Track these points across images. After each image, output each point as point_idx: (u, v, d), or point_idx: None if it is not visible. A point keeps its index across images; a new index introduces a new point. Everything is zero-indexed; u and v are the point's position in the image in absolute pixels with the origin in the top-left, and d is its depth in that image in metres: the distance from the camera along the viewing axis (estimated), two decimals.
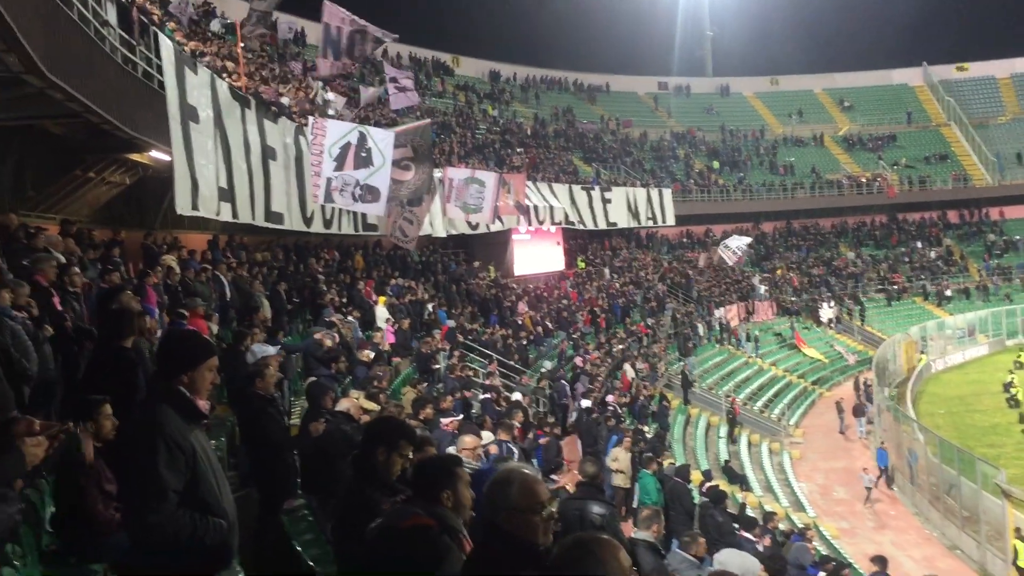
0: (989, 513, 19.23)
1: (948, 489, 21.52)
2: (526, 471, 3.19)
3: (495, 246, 31.72)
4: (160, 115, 11.44)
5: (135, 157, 13.12)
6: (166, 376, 3.76)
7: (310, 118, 16.23)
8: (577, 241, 38.41)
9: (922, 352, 39.18)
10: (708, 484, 14.44)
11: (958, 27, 74.72)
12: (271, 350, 9.20)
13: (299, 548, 5.63)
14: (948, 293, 47.01)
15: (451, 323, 21.70)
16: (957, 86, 61.31)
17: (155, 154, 12.81)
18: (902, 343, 38.52)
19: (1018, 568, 17.40)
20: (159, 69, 11.97)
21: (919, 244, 51.72)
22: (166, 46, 11.66)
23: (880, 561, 12.42)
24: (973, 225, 53.48)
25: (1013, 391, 31.26)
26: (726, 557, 7.37)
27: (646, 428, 21.98)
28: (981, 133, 56.84)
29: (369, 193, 13.83)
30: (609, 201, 37.09)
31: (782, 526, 17.64)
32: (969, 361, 40.45)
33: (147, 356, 6.53)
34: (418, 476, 3.69)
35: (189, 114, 11.78)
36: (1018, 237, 51.62)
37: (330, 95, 23.57)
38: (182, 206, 11.57)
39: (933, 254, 50.84)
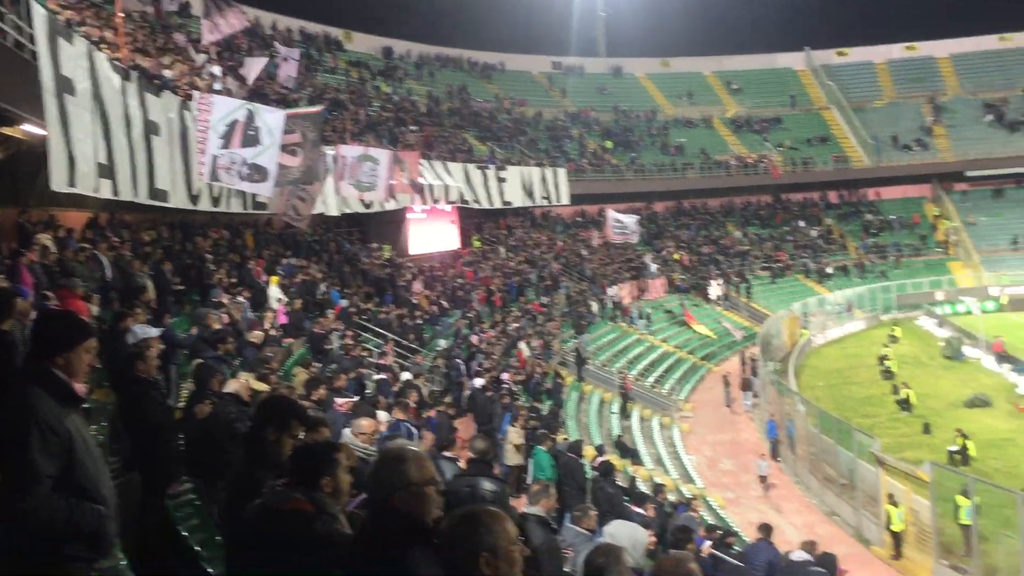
0: (864, 480, 20.22)
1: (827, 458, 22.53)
2: (413, 447, 3.22)
3: (390, 225, 31.44)
4: (33, 87, 10.89)
5: (6, 131, 12.46)
6: (40, 358, 3.63)
7: (195, 93, 15.76)
8: (472, 220, 38.41)
9: (804, 327, 40.78)
10: (599, 458, 14.74)
11: (838, 13, 77.62)
12: (153, 332, 8.94)
13: (184, 532, 5.52)
14: (828, 270, 49.10)
15: (344, 303, 21.47)
16: (837, 70, 63.68)
17: (29, 128, 12.20)
18: (785, 319, 40.01)
19: (891, 532, 18.39)
20: (31, 38, 11.39)
21: (801, 223, 53.74)
22: (38, 14, 11.08)
23: (765, 529, 12.90)
24: (852, 205, 55.87)
25: (887, 364, 32.90)
26: (615, 528, 7.57)
27: (540, 405, 22.25)
28: (859, 116, 59.27)
29: (257, 172, 13.52)
30: (504, 180, 37.18)
31: (671, 497, 18.17)
32: (847, 335, 42.33)
33: (19, 340, 6.26)
34: (298, 461, 3.68)
35: (64, 86, 11.25)
36: (893, 217, 54.23)
37: (216, 69, 22.89)
38: (58, 183, 11.07)
39: (814, 233, 52.92)
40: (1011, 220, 52.52)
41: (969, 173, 54.70)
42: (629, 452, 23.41)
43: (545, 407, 22.45)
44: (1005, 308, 44.59)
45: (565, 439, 17.83)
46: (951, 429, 23.89)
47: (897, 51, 64.31)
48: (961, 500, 16.80)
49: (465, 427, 17.50)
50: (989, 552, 16.05)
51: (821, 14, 77.61)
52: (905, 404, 27.82)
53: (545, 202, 41.32)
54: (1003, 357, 32.72)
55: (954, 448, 22.52)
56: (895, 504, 18.33)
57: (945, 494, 17.33)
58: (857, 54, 64.66)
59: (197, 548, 5.24)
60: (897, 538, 18.26)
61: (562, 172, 42.35)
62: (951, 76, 62.03)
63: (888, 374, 31.94)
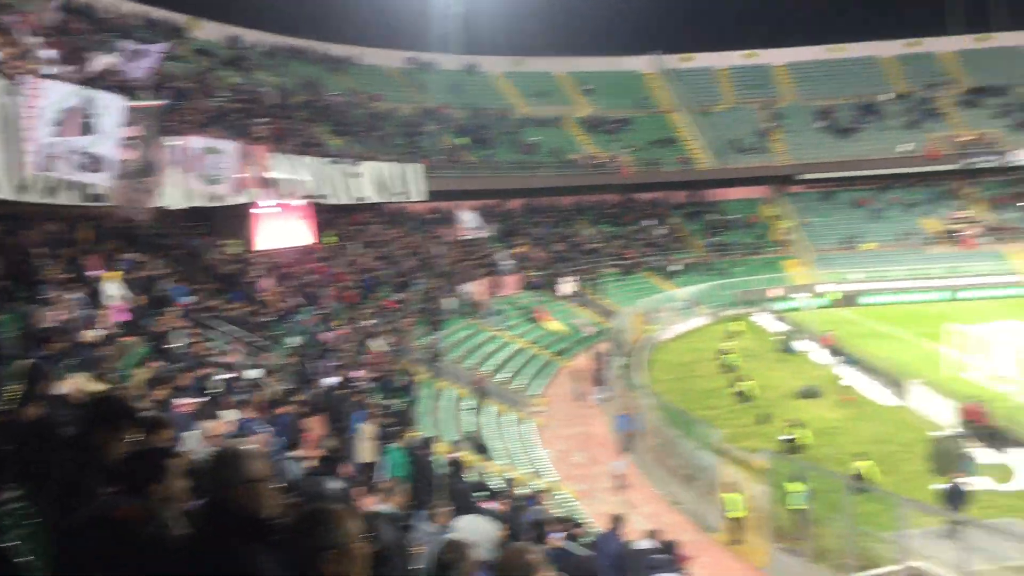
0: (706, 470, 21.09)
1: (672, 449, 23.36)
2: (249, 445, 3.17)
3: (238, 219, 30.44)
4: None
5: None
6: None
7: (27, 77, 14.83)
8: (325, 215, 37.73)
9: (652, 323, 42.17)
10: (452, 455, 14.81)
11: (685, 20, 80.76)
12: None
13: (9, 542, 5.20)
14: (674, 268, 50.98)
15: (189, 299, 20.71)
16: (683, 75, 66.19)
17: None
18: (634, 315, 41.25)
19: (731, 518, 19.24)
20: None
21: (649, 222, 55.57)
22: None
23: (614, 519, 13.24)
24: (696, 205, 58.22)
25: (727, 358, 34.43)
26: (465, 523, 7.63)
27: (394, 402, 22.13)
28: (703, 120, 61.79)
29: (94, 162, 12.88)
30: (358, 175, 36.73)
31: (524, 491, 18.42)
32: (692, 331, 44.01)
33: None
34: (128, 467, 3.55)
35: None
36: (734, 217, 56.92)
37: (50, 52, 21.57)
38: None
39: (661, 232, 54.85)
40: (841, 221, 56.13)
41: (803, 176, 58.09)
42: (482, 448, 23.60)
43: (398, 404, 22.34)
44: (836, 304, 47.65)
45: (418, 436, 17.80)
46: (786, 419, 25.21)
47: (738, 58, 67.44)
48: (792, 486, 17.76)
49: (317, 425, 17.22)
50: (821, 535, 17.00)
51: (669, 20, 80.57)
52: (744, 396, 29.18)
53: (400, 198, 41.11)
54: (832, 350, 34.79)
55: (788, 437, 23.76)
56: (734, 492, 19.20)
57: (780, 481, 18.28)
58: (701, 59, 67.41)
59: (23, 558, 4.95)
60: (737, 524, 19.13)
61: (417, 168, 42.22)
62: (787, 83, 65.49)
63: (728, 368, 33.41)
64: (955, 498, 17.57)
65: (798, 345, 37.18)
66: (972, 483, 18.63)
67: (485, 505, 12.46)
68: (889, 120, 60.51)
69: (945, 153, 57.06)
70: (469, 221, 37.88)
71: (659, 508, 21.94)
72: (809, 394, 29.19)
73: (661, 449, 24.11)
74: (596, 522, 18.51)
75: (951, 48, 65.86)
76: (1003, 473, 20.42)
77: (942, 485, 18.27)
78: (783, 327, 40.95)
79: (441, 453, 16.13)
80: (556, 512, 17.60)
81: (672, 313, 44.90)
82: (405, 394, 23.86)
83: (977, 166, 56.85)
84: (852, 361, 32.64)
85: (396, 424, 17.14)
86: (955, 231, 54.44)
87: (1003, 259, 51.59)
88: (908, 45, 66.59)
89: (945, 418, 24.89)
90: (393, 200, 41.32)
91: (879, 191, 57.87)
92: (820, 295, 48.44)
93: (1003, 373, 28.92)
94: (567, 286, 44.95)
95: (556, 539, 11.24)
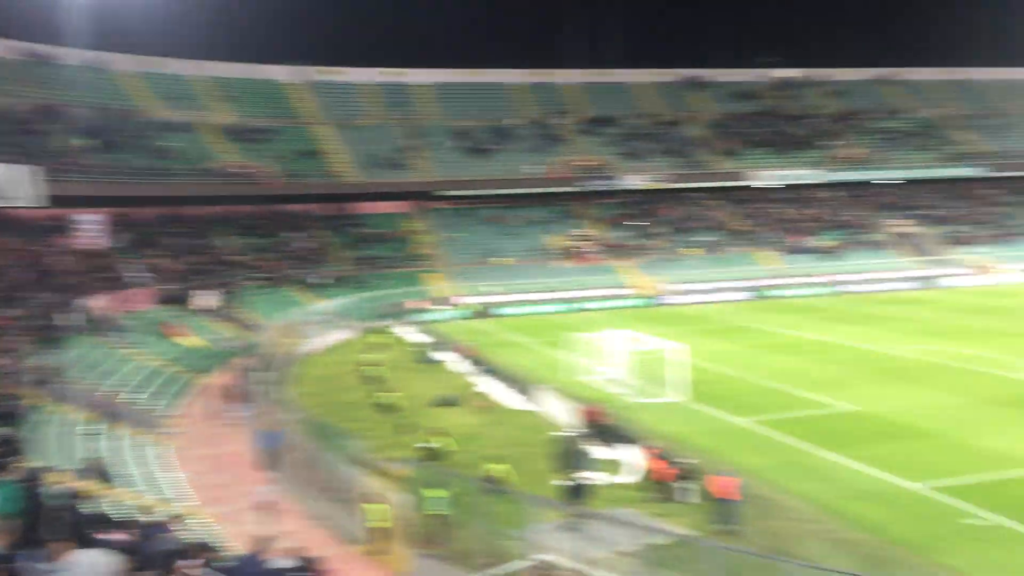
0: (350, 482, 21.18)
1: (314, 463, 23.23)
2: None
3: None
4: None
5: None
6: None
7: None
8: None
9: (296, 337, 41.70)
10: (69, 484, 13.60)
11: (335, 34, 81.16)
12: None
13: None
14: (320, 281, 50.88)
15: None
16: (329, 88, 66.55)
17: None
18: (279, 329, 40.56)
19: (375, 529, 19.47)
20: None
21: (295, 235, 55.06)
22: None
23: (255, 541, 12.85)
24: (342, 219, 58.69)
25: (369, 370, 35.02)
26: (82, 558, 7.09)
27: (1, 431, 19.85)
28: (348, 134, 62.51)
29: None
30: None
31: (156, 517, 17.34)
32: (337, 344, 44.20)
33: None
34: None
35: None
36: (379, 230, 58.15)
37: None
38: None
39: (307, 244, 54.53)
40: (479, 236, 59.52)
41: (442, 192, 60.85)
42: (110, 475, 21.87)
43: (7, 432, 20.07)
44: (475, 315, 50.34)
45: (30, 467, 16.11)
46: (427, 427, 26.09)
47: (385, 75, 69.24)
48: (431, 492, 18.41)
49: None
50: (460, 537, 17.77)
51: (315, 32, 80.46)
52: (386, 407, 29.78)
53: (12, 203, 37.14)
54: (471, 360, 36.62)
55: (428, 445, 24.58)
56: (377, 502, 19.45)
57: (421, 488, 18.85)
58: (349, 74, 68.45)
59: None
60: (380, 534, 19.38)
61: (32, 170, 38.31)
62: (431, 103, 68.22)
63: (370, 380, 33.95)
64: (576, 493, 19.27)
65: (436, 355, 38.69)
66: (591, 478, 20.53)
67: (109, 537, 11.58)
68: (519, 143, 65.23)
69: (566, 176, 62.68)
70: (89, 229, 35.03)
71: (304, 524, 21.64)
72: (447, 402, 30.46)
73: (305, 464, 23.84)
74: (237, 545, 17.87)
75: (573, 80, 72.56)
76: (616, 467, 22.70)
77: (564, 481, 19.93)
78: (424, 338, 42.40)
79: (58, 483, 14.72)
80: (192, 538, 16.79)
81: (317, 326, 44.74)
82: (15, 421, 21.51)
83: (592, 189, 63.15)
84: (488, 369, 34.58)
85: (4, 455, 15.40)
86: (575, 248, 59.90)
87: (615, 273, 57.65)
88: (535, 74, 72.32)
89: (567, 419, 27.15)
90: (3, 206, 37.16)
91: (510, 209, 62.12)
92: (459, 307, 50.94)
93: (615, 377, 32.22)
94: (206, 299, 43.08)
95: (189, 567, 10.72)
